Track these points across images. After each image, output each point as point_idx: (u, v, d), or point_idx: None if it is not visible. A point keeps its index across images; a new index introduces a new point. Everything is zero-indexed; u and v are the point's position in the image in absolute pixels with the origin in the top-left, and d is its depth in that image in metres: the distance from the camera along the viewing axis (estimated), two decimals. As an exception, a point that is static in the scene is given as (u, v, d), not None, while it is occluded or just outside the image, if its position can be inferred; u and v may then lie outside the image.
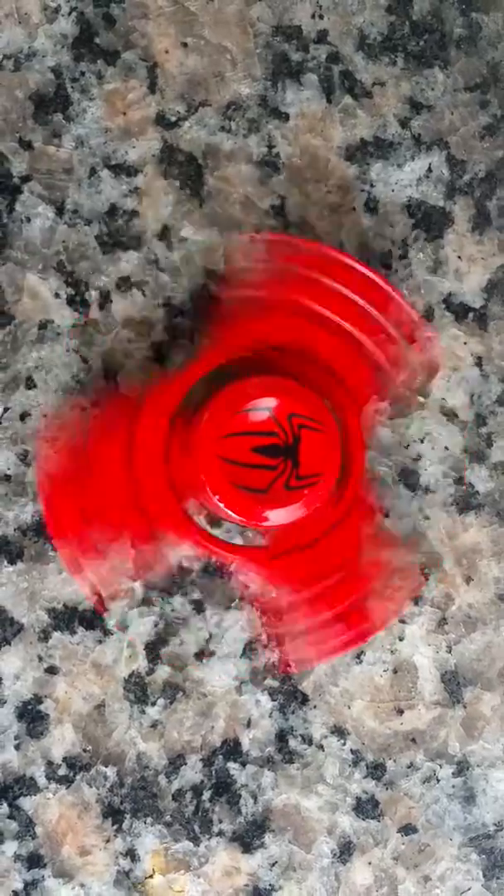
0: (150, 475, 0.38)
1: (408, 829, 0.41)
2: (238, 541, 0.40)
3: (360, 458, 0.39)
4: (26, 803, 0.40)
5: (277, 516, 0.37)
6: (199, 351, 0.39)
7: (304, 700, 0.41)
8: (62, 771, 0.40)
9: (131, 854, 0.40)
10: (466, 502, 0.41)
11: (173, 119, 0.40)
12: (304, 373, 0.38)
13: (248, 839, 0.40)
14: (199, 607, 0.40)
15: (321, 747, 0.41)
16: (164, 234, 0.40)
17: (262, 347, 0.39)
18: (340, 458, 0.37)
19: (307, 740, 0.41)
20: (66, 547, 0.39)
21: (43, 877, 0.40)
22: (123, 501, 0.38)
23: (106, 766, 0.40)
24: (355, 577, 0.40)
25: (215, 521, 0.40)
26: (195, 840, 0.40)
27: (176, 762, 0.40)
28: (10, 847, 0.40)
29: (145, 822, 0.40)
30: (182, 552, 0.40)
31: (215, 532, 0.40)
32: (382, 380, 0.39)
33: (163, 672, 0.40)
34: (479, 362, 0.41)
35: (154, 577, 0.40)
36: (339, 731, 0.41)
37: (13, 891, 0.40)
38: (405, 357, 0.39)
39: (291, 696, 0.41)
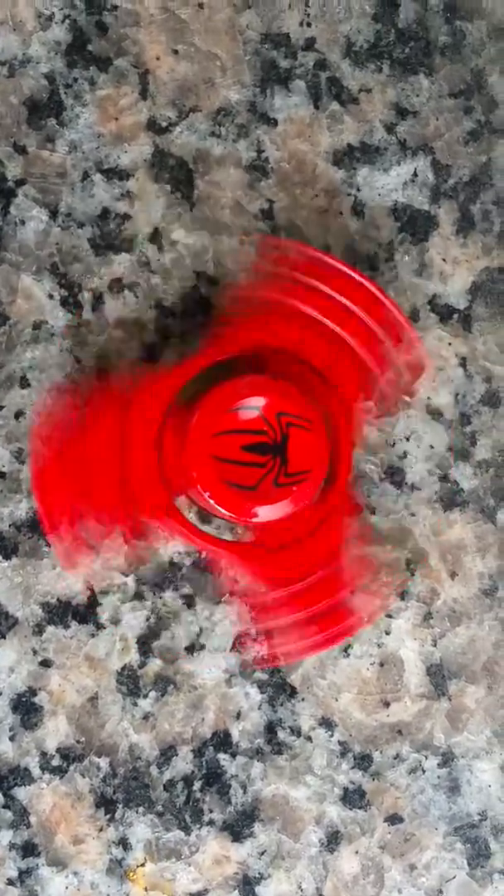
0: (142, 469, 0.39)
1: (394, 819, 0.42)
2: (227, 537, 0.41)
3: (347, 457, 0.40)
4: (21, 793, 0.41)
5: (266, 513, 0.37)
6: (190, 351, 0.40)
7: (293, 692, 0.41)
8: (56, 761, 0.41)
9: (124, 843, 0.41)
10: (451, 499, 0.42)
11: (164, 124, 0.41)
12: (293, 372, 0.39)
13: (237, 828, 0.41)
14: (189, 602, 0.41)
15: (309, 739, 0.42)
16: (156, 237, 0.41)
17: (252, 348, 0.39)
18: (328, 456, 0.38)
19: (296, 732, 0.42)
20: (59, 542, 0.40)
21: (37, 865, 0.41)
22: (114, 494, 0.39)
23: (99, 757, 0.41)
24: (341, 573, 0.40)
25: (206, 517, 0.41)
26: (186, 829, 0.41)
27: (167, 753, 0.41)
28: (5, 836, 0.41)
29: (137, 812, 0.41)
30: (173, 548, 0.41)
31: (206, 528, 0.40)
32: (368, 380, 0.40)
33: (154, 665, 0.41)
34: (463, 363, 0.42)
35: (146, 572, 0.41)
36: (327, 723, 0.42)
37: (8, 879, 0.40)
38: (391, 358, 0.40)
39: (280, 689, 0.41)
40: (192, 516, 0.40)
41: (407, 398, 0.42)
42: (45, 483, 0.39)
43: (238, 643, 0.41)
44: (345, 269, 0.39)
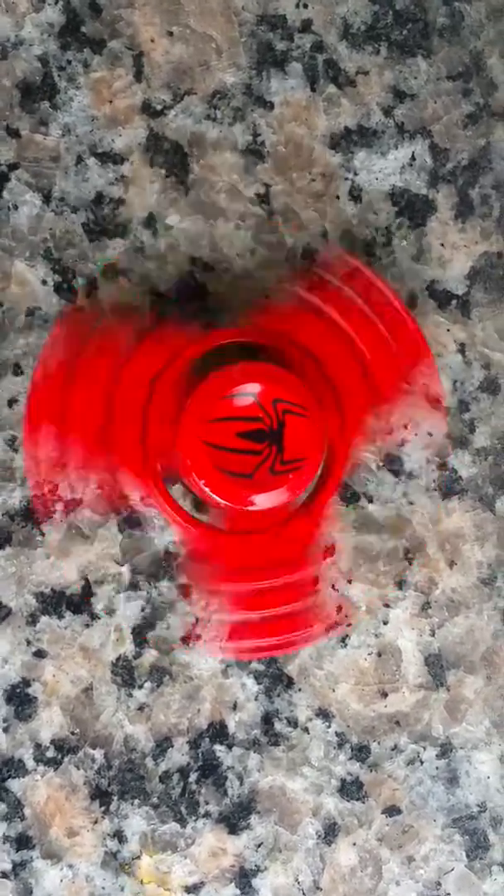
0: (125, 423, 0.38)
1: (392, 811, 0.41)
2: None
3: (342, 464, 0.39)
4: (15, 785, 0.40)
5: (262, 500, 0.37)
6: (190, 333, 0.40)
7: (290, 683, 0.41)
8: (50, 753, 0.40)
9: (119, 835, 0.40)
10: (450, 488, 0.42)
11: (159, 107, 0.41)
12: (291, 359, 0.38)
13: (234, 820, 0.41)
14: (185, 592, 0.41)
15: (306, 730, 0.41)
16: (150, 221, 0.40)
17: (252, 334, 0.39)
18: (327, 444, 0.38)
19: (292, 723, 0.41)
20: (38, 491, 0.39)
21: (31, 858, 0.40)
22: (96, 441, 0.39)
23: (93, 749, 0.40)
24: (308, 581, 0.40)
25: (201, 505, 0.40)
26: (182, 821, 0.41)
27: (163, 745, 0.41)
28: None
29: (132, 804, 0.41)
30: (168, 538, 0.40)
31: (201, 517, 0.40)
32: (370, 370, 0.40)
33: (150, 656, 0.41)
34: (461, 349, 0.42)
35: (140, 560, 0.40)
36: (324, 714, 0.41)
37: (2, 871, 0.40)
38: (391, 346, 0.40)
39: (277, 680, 0.41)
40: (187, 505, 0.40)
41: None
42: (35, 416, 0.39)
43: (192, 628, 0.40)
44: (384, 288, 0.39)
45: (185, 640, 0.40)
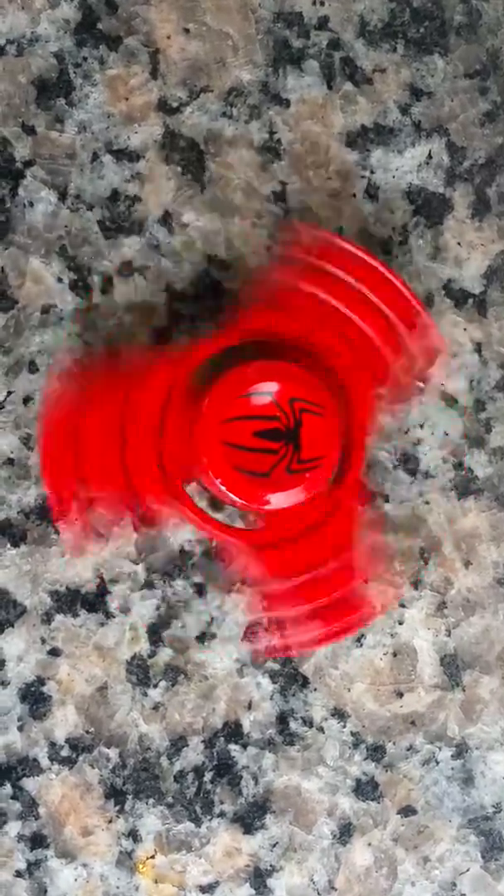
0: (143, 454, 0.38)
1: (407, 811, 0.41)
2: (239, 525, 0.40)
3: (360, 445, 0.39)
4: (29, 784, 0.40)
5: (279, 500, 0.37)
6: (201, 335, 0.39)
7: (305, 683, 0.41)
8: (65, 752, 0.40)
9: (133, 835, 0.40)
10: (466, 487, 0.42)
11: (175, 105, 0.40)
12: (304, 357, 0.38)
13: (249, 820, 0.41)
14: (200, 590, 0.40)
15: (321, 729, 0.41)
16: (166, 219, 0.40)
17: (263, 334, 0.39)
18: (341, 443, 0.37)
19: (308, 722, 0.41)
20: (68, 530, 0.39)
21: (46, 857, 0.40)
22: (119, 480, 0.38)
23: (108, 748, 0.40)
24: (353, 563, 0.40)
25: (218, 504, 0.40)
26: (196, 821, 0.41)
27: (177, 744, 0.41)
28: (14, 827, 0.40)
29: (147, 803, 0.40)
30: (183, 536, 0.40)
31: (216, 516, 0.40)
32: (382, 366, 0.40)
33: (165, 654, 0.40)
34: (478, 348, 0.42)
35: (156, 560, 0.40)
36: (340, 714, 0.41)
37: (16, 871, 0.40)
38: (405, 343, 0.40)
39: (292, 679, 0.41)
40: (203, 504, 0.40)
41: (420, 384, 0.41)
42: (53, 469, 0.39)
43: (248, 633, 0.40)
44: (359, 252, 0.39)
45: (263, 654, 0.40)
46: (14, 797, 0.40)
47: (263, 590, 0.40)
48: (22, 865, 0.40)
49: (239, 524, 0.40)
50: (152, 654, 0.40)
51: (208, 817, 0.41)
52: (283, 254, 0.39)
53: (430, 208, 0.41)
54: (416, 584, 0.41)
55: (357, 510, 0.40)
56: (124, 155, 0.40)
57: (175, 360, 0.38)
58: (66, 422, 0.38)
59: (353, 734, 0.41)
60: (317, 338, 0.39)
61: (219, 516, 0.40)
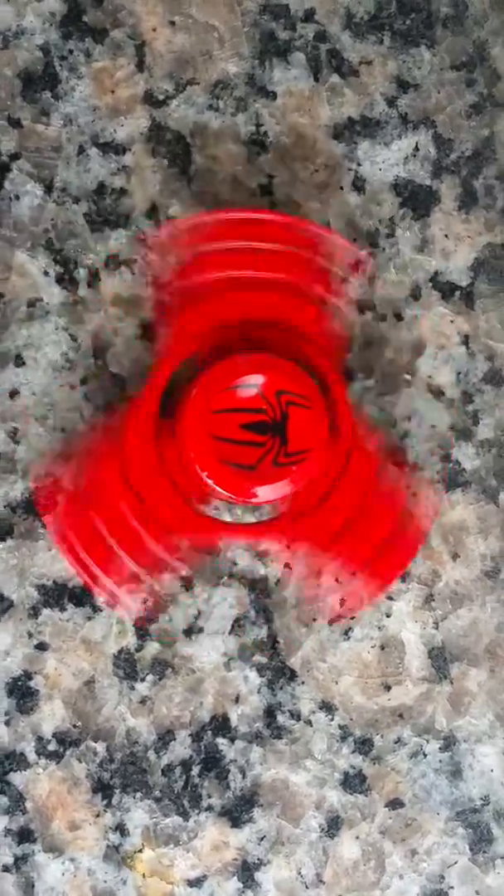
0: (158, 497, 0.39)
1: (395, 804, 0.41)
2: (227, 517, 0.40)
3: (341, 395, 0.39)
4: (17, 778, 0.40)
5: (266, 493, 0.37)
6: (159, 349, 0.39)
7: (293, 676, 0.41)
8: (52, 746, 0.40)
9: (121, 829, 0.40)
10: (453, 480, 0.42)
11: (161, 97, 0.40)
12: (275, 341, 0.38)
13: (236, 814, 0.41)
14: (187, 584, 0.40)
15: (309, 723, 0.41)
16: (153, 212, 0.40)
17: (222, 329, 0.39)
18: (328, 428, 0.37)
19: (295, 716, 0.41)
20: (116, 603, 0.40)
21: (33, 851, 0.40)
22: (141, 535, 0.39)
23: (95, 742, 0.40)
24: (377, 510, 0.40)
25: (204, 498, 0.40)
26: (184, 815, 0.40)
27: (165, 738, 0.41)
28: (1, 822, 0.40)
29: (135, 797, 0.40)
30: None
31: (209, 511, 0.40)
32: (330, 314, 0.39)
33: (152, 648, 0.40)
34: (465, 340, 0.42)
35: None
36: (327, 707, 0.41)
37: (3, 865, 0.40)
38: (349, 286, 0.39)
39: (280, 672, 0.41)
40: (228, 517, 0.40)
41: (407, 376, 0.41)
42: (74, 549, 0.39)
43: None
44: (274, 217, 0.39)
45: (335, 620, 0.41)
46: (1, 792, 0.40)
47: (302, 571, 0.40)
48: (9, 860, 0.40)
49: (226, 516, 0.40)
50: (139, 648, 0.40)
51: (196, 811, 0.41)
52: (182, 254, 0.39)
53: (416, 200, 0.41)
54: (404, 577, 0.41)
55: (367, 466, 0.40)
56: (110, 148, 0.40)
57: (140, 396, 0.38)
58: (67, 498, 0.39)
59: (340, 727, 0.41)
60: (262, 311, 0.39)
61: (208, 510, 0.40)
